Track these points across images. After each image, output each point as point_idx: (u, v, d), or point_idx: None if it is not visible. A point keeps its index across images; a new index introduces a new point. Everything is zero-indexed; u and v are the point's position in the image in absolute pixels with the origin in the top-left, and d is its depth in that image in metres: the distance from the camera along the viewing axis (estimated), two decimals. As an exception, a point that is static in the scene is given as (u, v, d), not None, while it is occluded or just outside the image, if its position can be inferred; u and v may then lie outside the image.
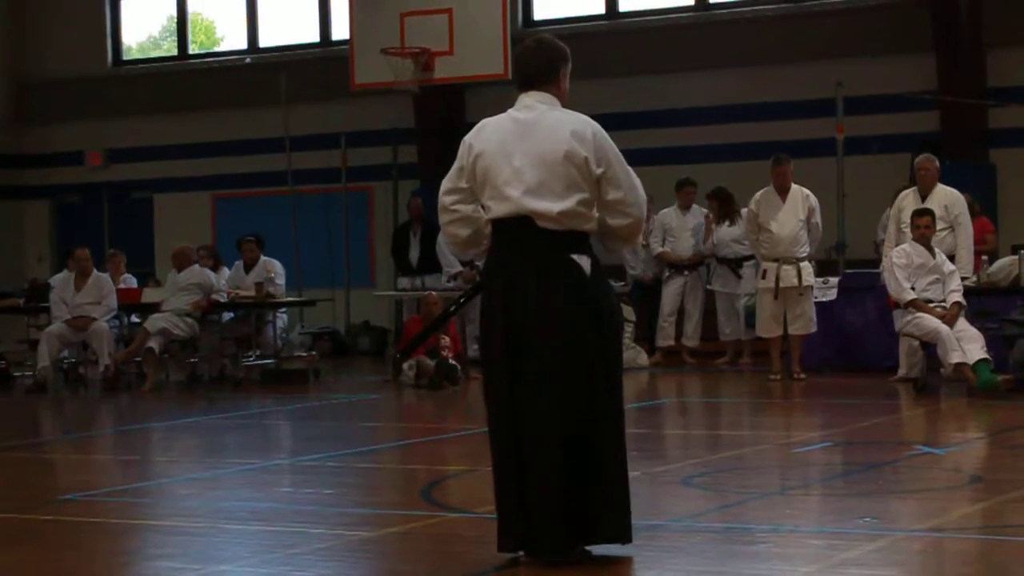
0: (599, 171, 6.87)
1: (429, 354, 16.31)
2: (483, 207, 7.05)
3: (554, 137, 6.88)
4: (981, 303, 14.90)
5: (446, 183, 7.12)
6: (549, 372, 6.81)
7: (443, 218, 7.14)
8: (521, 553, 6.91)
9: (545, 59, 7.06)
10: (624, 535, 6.91)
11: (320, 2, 23.63)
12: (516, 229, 6.91)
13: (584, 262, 6.91)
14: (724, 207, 17.99)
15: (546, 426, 6.79)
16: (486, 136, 7.03)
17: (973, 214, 15.64)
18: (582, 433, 6.82)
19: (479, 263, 19.25)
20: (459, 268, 19.10)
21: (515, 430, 6.85)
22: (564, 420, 6.79)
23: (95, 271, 17.79)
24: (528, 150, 6.90)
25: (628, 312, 17.59)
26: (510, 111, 7.08)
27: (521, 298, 6.87)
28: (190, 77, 24.41)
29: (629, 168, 6.99)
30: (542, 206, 6.85)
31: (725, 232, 17.96)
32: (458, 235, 7.14)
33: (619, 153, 6.98)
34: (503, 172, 6.91)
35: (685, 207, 18.50)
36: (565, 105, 7.06)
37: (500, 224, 6.97)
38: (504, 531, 6.93)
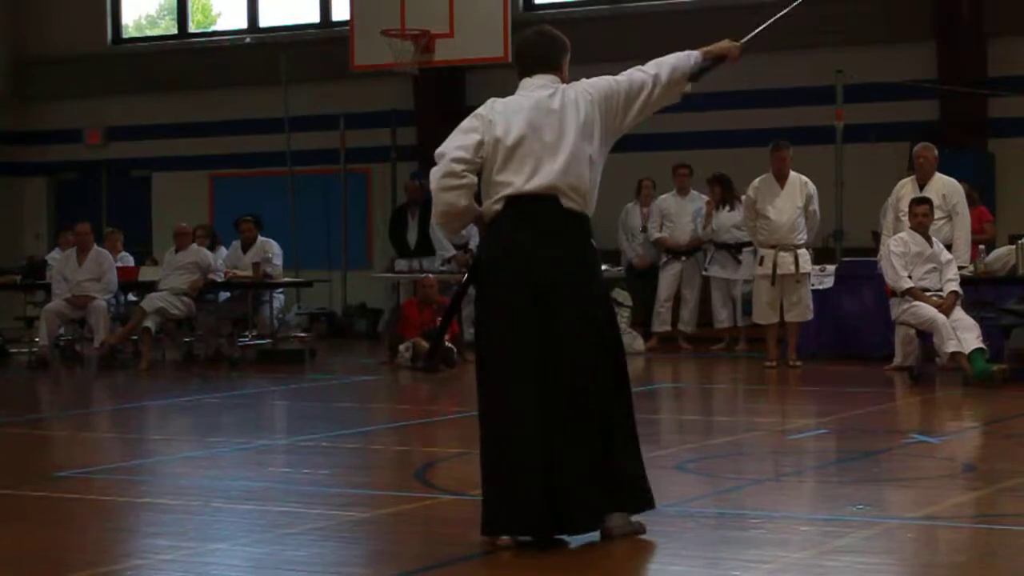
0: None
1: (426, 337, 16.31)
2: (495, 183, 7.00)
3: (578, 114, 6.96)
4: (978, 292, 14.91)
5: (458, 151, 6.98)
6: (583, 349, 6.91)
7: (447, 182, 6.98)
8: (504, 538, 6.92)
9: (548, 47, 7.14)
10: (651, 502, 7.07)
11: (321, -17, 23.61)
12: (538, 206, 6.92)
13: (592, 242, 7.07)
14: (725, 192, 17.99)
15: (584, 401, 6.89)
16: (508, 112, 7.01)
17: (972, 203, 15.63)
18: (608, 407, 6.94)
19: (472, 245, 19.29)
20: (453, 252, 19.08)
21: (540, 408, 6.88)
22: (598, 394, 6.92)
23: (96, 246, 17.81)
24: (555, 125, 6.94)
25: (624, 297, 17.61)
26: (520, 93, 7.09)
27: (546, 274, 6.90)
28: (190, 56, 24.39)
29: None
30: (571, 181, 6.92)
31: (726, 217, 17.95)
32: (457, 204, 7.03)
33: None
34: (534, 147, 6.91)
35: (681, 191, 18.50)
36: None
37: (519, 201, 6.94)
38: (494, 515, 6.93)
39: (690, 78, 7.35)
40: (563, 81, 7.12)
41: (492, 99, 7.15)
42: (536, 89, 7.06)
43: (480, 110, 7.12)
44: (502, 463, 6.96)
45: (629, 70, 7.22)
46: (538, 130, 6.94)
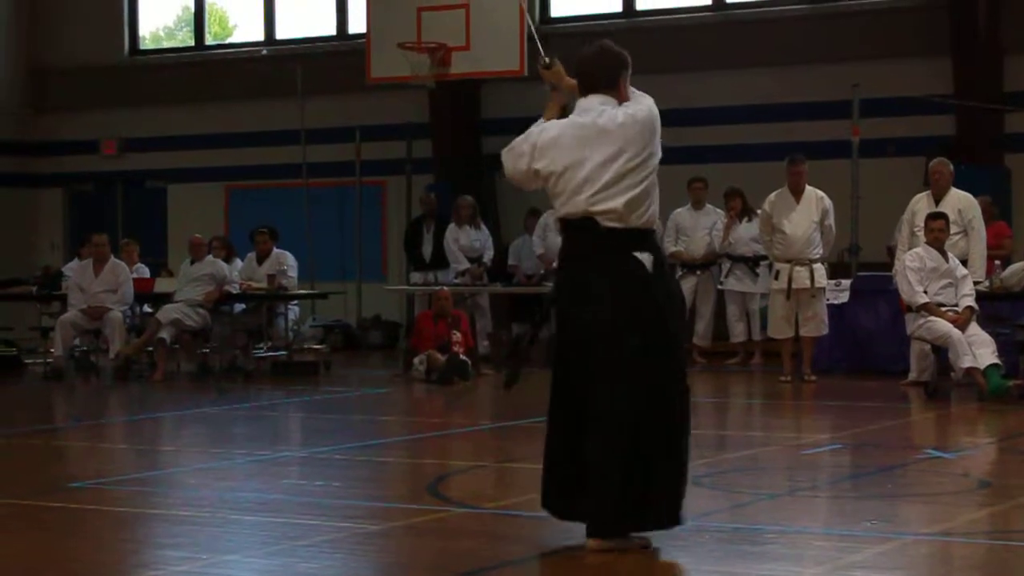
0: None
1: (440, 349, 16.31)
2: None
3: (610, 138, 7.04)
4: (993, 308, 14.88)
5: (523, 163, 7.27)
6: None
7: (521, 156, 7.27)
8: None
9: (607, 65, 7.23)
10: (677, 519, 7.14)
11: (337, -5, 23.64)
12: (581, 229, 7.09)
13: (646, 259, 7.05)
14: (745, 204, 17.98)
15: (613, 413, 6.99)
16: (553, 139, 7.17)
17: (992, 217, 15.62)
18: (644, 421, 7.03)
19: (486, 258, 19.29)
20: (467, 265, 19.12)
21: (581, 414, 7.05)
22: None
23: (112, 258, 17.84)
24: (591, 154, 7.05)
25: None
26: (572, 115, 7.24)
27: (583, 290, 7.04)
28: (206, 68, 24.43)
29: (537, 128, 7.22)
30: (606, 206, 7.02)
31: (744, 230, 17.94)
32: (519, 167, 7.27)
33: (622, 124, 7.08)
34: (575, 177, 7.06)
35: (696, 204, 18.49)
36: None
37: (569, 224, 7.17)
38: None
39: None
40: (620, 98, 7.18)
41: (545, 123, 7.29)
42: (582, 114, 7.17)
43: (532, 128, 7.31)
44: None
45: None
46: (579, 161, 7.06)
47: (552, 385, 7.18)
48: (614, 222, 7.03)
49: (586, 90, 7.23)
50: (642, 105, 7.13)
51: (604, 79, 7.20)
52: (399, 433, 12.90)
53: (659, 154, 7.15)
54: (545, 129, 7.23)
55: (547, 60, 7.47)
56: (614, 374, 6.96)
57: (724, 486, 9.24)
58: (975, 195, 15.23)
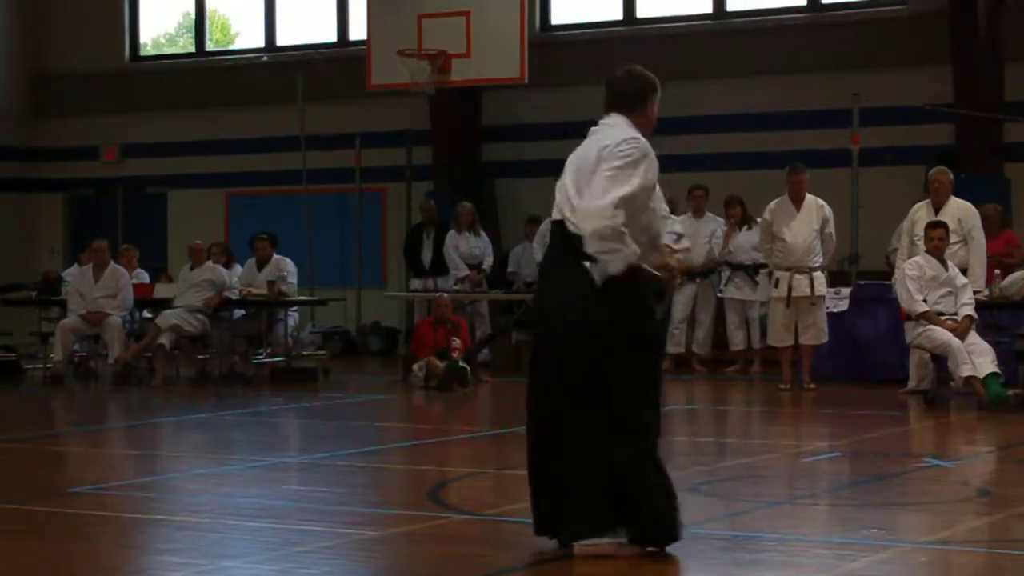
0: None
1: (439, 356, 16.31)
2: None
3: (590, 153, 7.23)
4: (993, 316, 14.88)
5: None
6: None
7: None
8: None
9: (630, 87, 7.42)
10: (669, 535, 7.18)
11: (338, 2, 23.65)
12: (557, 234, 7.28)
13: (595, 269, 7.06)
14: (745, 212, 17.99)
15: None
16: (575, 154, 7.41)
17: (1001, 226, 15.63)
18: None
19: (485, 265, 19.33)
20: (467, 271, 19.13)
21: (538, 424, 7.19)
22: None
23: (112, 263, 17.85)
24: (576, 166, 7.28)
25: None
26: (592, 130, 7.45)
27: (549, 295, 7.31)
28: (207, 74, 24.45)
29: (610, 181, 7.08)
30: (572, 214, 7.17)
31: (744, 238, 17.95)
32: None
33: (624, 167, 7.10)
34: (562, 187, 7.30)
35: (696, 213, 18.49)
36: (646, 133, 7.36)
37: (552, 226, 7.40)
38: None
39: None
40: (644, 121, 7.38)
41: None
42: (594, 133, 7.37)
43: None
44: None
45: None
46: (575, 170, 7.26)
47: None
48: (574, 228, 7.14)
49: (608, 108, 7.44)
50: (638, 144, 7.22)
51: (626, 100, 7.39)
52: (398, 439, 12.90)
53: (647, 180, 7.18)
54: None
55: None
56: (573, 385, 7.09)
57: (722, 494, 9.25)
58: (976, 204, 15.23)
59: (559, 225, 7.24)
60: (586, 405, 7.02)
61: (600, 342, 7.04)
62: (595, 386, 7.04)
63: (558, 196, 7.27)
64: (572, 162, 7.30)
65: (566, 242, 7.16)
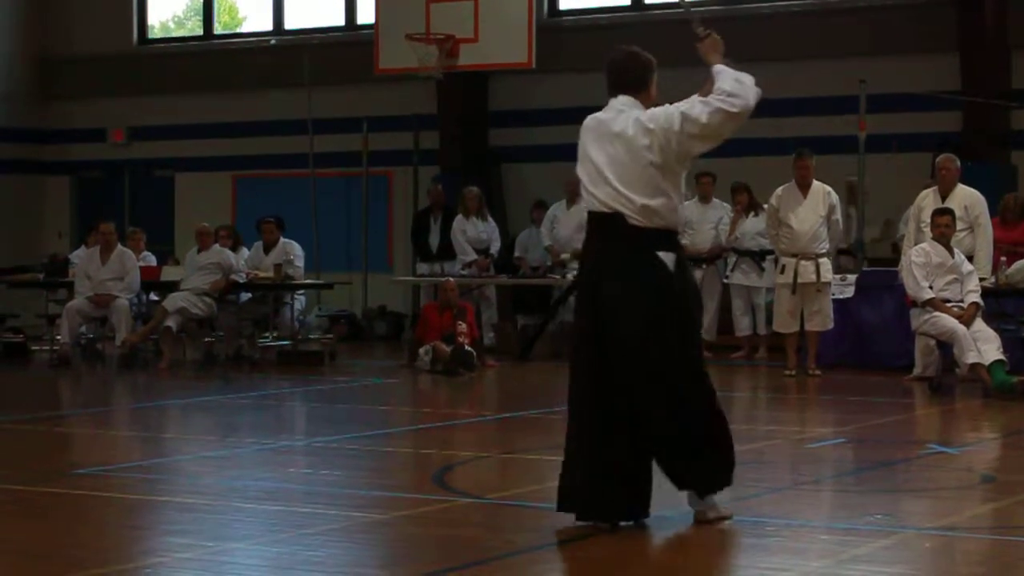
0: (669, 141, 7.36)
1: (445, 340, 16.33)
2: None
3: (625, 139, 7.35)
4: (998, 304, 14.88)
5: None
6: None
7: None
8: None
9: (636, 68, 7.57)
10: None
11: (346, -14, 23.63)
12: (607, 223, 7.34)
13: (668, 258, 7.31)
14: (752, 198, 17.99)
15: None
16: (583, 133, 7.52)
17: (1020, 215, 15.65)
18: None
19: (493, 250, 19.37)
20: (474, 256, 19.15)
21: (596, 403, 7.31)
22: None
23: (119, 246, 17.87)
24: (605, 151, 7.38)
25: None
26: (603, 111, 7.54)
27: (606, 287, 7.32)
28: (214, 57, 24.43)
29: (703, 106, 7.58)
30: (628, 204, 7.29)
31: (750, 224, 17.94)
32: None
33: (684, 105, 7.49)
34: (589, 171, 7.41)
35: (703, 199, 18.48)
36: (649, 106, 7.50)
37: (593, 217, 7.45)
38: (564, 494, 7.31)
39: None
40: (647, 101, 7.50)
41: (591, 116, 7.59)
42: (607, 111, 7.48)
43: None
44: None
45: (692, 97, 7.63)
46: (589, 156, 7.39)
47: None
48: (636, 221, 7.28)
49: (614, 90, 7.53)
50: (657, 111, 7.41)
51: (631, 82, 7.51)
52: (404, 423, 12.93)
53: (685, 152, 7.43)
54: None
55: (703, 31, 8.16)
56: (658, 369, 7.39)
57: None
58: (996, 194, 15.23)
59: (611, 219, 7.30)
60: (680, 378, 7.45)
61: (676, 325, 7.34)
62: (678, 361, 7.44)
63: (599, 192, 7.33)
64: (600, 157, 7.35)
65: (630, 237, 7.28)
